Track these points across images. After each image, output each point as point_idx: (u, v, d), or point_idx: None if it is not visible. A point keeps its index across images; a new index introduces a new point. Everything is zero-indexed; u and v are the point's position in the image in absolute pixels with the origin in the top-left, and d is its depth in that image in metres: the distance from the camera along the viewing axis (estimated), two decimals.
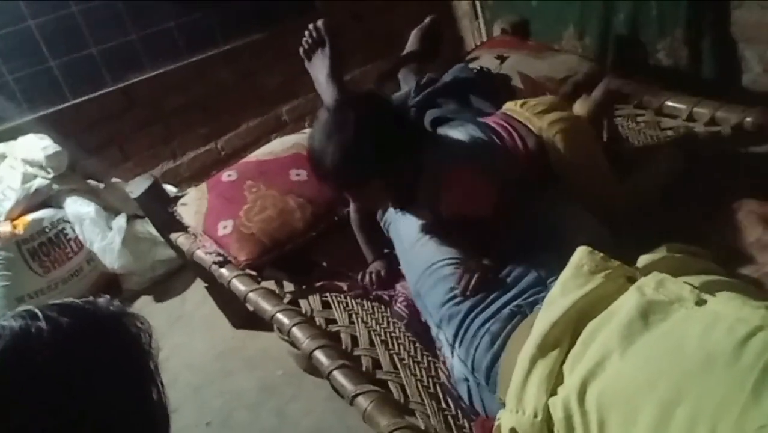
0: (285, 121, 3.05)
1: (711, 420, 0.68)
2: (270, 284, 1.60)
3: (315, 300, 1.52)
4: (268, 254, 1.61)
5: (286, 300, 1.53)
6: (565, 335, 0.89)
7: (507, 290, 1.18)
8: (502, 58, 1.94)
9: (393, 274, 1.49)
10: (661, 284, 0.86)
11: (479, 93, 1.67)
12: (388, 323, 1.43)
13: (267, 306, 1.48)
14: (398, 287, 1.47)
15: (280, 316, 1.44)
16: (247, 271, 1.62)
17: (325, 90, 1.79)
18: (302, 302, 1.51)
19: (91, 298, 0.69)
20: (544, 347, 0.89)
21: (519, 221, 1.30)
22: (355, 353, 1.35)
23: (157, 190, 1.88)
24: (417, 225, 1.39)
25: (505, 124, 1.43)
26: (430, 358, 1.32)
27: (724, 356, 0.71)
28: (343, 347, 1.37)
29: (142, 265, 2.42)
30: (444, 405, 1.20)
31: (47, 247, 2.34)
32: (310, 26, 1.77)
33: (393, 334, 1.39)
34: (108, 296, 0.71)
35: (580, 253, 0.98)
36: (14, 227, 2.29)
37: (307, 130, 2.01)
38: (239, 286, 1.58)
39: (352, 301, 1.50)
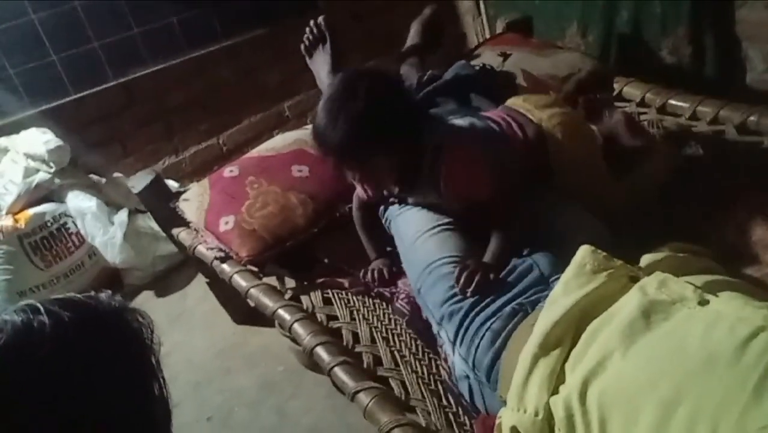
0: (287, 117, 3.05)
1: (712, 420, 0.68)
2: (271, 280, 1.60)
3: (316, 296, 1.51)
4: (269, 250, 1.61)
5: (287, 296, 1.53)
6: (567, 334, 0.89)
7: (509, 288, 1.18)
8: (504, 56, 1.93)
9: (395, 272, 1.49)
10: (663, 283, 0.86)
11: (480, 90, 1.66)
12: (390, 319, 1.42)
13: (268, 302, 1.48)
14: (400, 283, 1.46)
15: (281, 312, 1.44)
16: (249, 267, 1.62)
17: (327, 86, 1.79)
18: (303, 298, 1.51)
19: (92, 293, 0.69)
20: (545, 346, 0.89)
21: (520, 223, 1.30)
22: (357, 349, 1.35)
23: (159, 185, 1.88)
24: (418, 222, 1.39)
25: (504, 116, 1.44)
26: (431, 355, 1.32)
27: (726, 356, 0.71)
28: (344, 343, 1.37)
29: (144, 260, 2.42)
30: (445, 402, 1.20)
31: (49, 241, 2.34)
32: (311, 23, 1.77)
33: (394, 331, 1.39)
34: (109, 291, 0.71)
35: (583, 252, 0.97)
36: (16, 221, 2.29)
37: (310, 126, 2.01)
38: (241, 282, 1.58)
39: (354, 297, 1.50)
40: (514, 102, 1.50)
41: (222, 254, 1.66)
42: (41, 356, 0.59)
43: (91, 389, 0.61)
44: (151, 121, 2.76)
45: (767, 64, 2.03)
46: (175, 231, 1.86)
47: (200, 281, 2.15)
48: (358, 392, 1.19)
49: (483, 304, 1.16)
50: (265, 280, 1.59)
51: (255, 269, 1.62)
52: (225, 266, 1.65)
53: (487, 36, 2.85)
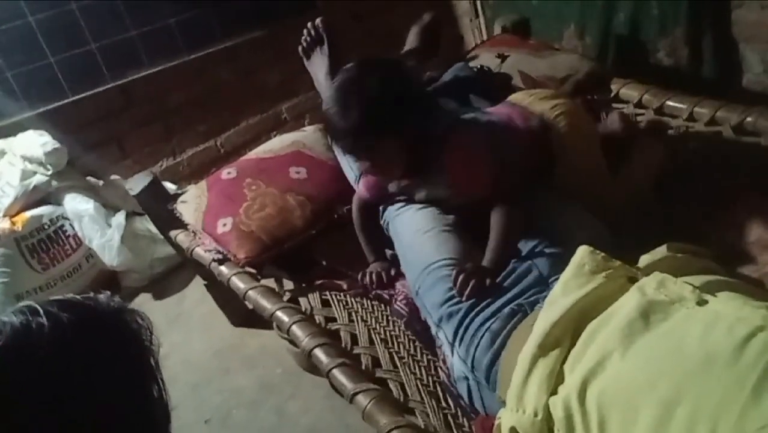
0: (285, 118, 3.04)
1: (711, 420, 0.68)
2: (270, 282, 1.60)
3: (315, 298, 1.51)
4: (267, 251, 1.61)
5: (285, 298, 1.52)
6: (566, 334, 0.89)
7: (508, 289, 1.18)
8: (502, 57, 1.94)
9: (393, 275, 1.49)
10: (662, 283, 0.86)
11: (479, 92, 1.67)
12: (388, 321, 1.42)
13: (266, 304, 1.48)
14: (398, 285, 1.46)
15: (279, 314, 1.44)
16: (247, 269, 1.61)
17: (325, 88, 1.79)
18: (302, 300, 1.51)
19: (91, 294, 0.69)
20: (545, 347, 0.89)
21: (520, 225, 1.30)
22: (355, 351, 1.35)
23: (156, 187, 1.88)
24: (416, 224, 1.39)
25: (507, 110, 1.45)
26: (429, 356, 1.32)
27: (725, 356, 0.71)
28: (343, 345, 1.36)
29: (141, 262, 2.42)
30: (444, 404, 1.20)
31: (46, 244, 2.34)
32: (309, 25, 1.77)
33: (393, 332, 1.39)
34: (108, 292, 0.71)
35: (582, 252, 0.98)
36: (13, 223, 2.29)
37: (308, 128, 2.02)
38: (239, 284, 1.58)
39: (352, 299, 1.50)
40: (515, 97, 1.52)
41: (220, 256, 1.66)
42: (40, 357, 0.59)
43: (90, 389, 0.61)
44: (149, 123, 2.75)
45: (764, 65, 2.04)
46: (172, 233, 1.86)
47: (198, 283, 2.15)
48: (356, 393, 1.19)
49: (482, 305, 1.16)
50: (264, 282, 1.58)
51: (253, 270, 1.62)
52: (223, 268, 1.65)
53: (485, 37, 2.86)
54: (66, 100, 2.54)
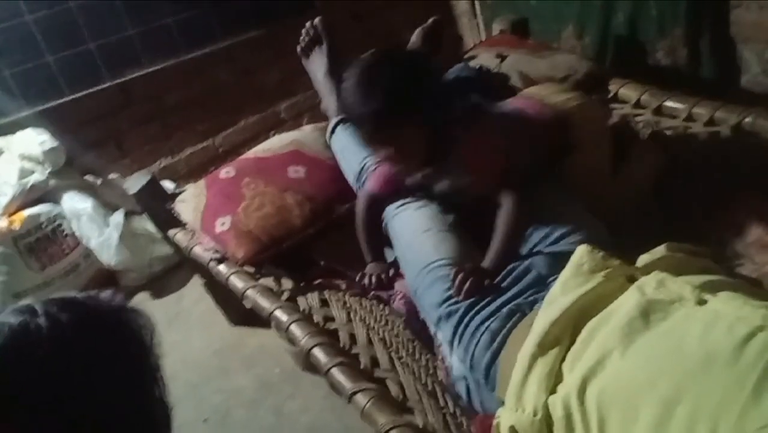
0: (283, 118, 3.04)
1: (711, 420, 0.68)
2: (268, 282, 1.59)
3: (313, 298, 1.51)
4: (266, 251, 1.61)
5: (284, 297, 1.52)
6: (565, 333, 0.89)
7: (507, 288, 1.18)
8: (501, 57, 1.93)
9: (392, 276, 1.49)
10: (661, 283, 0.86)
11: (481, 92, 1.67)
12: (387, 321, 1.42)
13: (265, 303, 1.48)
14: (396, 285, 1.46)
15: (278, 313, 1.44)
16: (245, 268, 1.61)
17: (324, 87, 1.79)
18: (300, 300, 1.51)
19: (94, 292, 0.69)
20: (544, 346, 0.89)
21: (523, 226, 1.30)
22: (354, 350, 1.35)
23: (154, 186, 1.88)
24: (415, 223, 1.39)
25: (522, 102, 1.46)
26: (428, 356, 1.32)
27: (725, 356, 0.71)
28: (341, 344, 1.36)
29: (140, 261, 2.42)
30: (442, 403, 1.20)
31: (44, 243, 2.33)
32: (307, 24, 1.77)
33: (391, 332, 1.39)
34: (112, 291, 0.70)
35: (581, 252, 0.98)
36: (11, 222, 2.28)
37: (306, 127, 2.02)
38: (237, 283, 1.58)
39: (351, 299, 1.50)
40: (530, 91, 1.53)
41: (218, 256, 1.65)
42: (39, 358, 0.59)
43: (90, 389, 0.60)
44: (148, 122, 2.75)
45: (763, 65, 2.04)
46: (171, 232, 1.85)
47: (196, 283, 2.15)
48: (355, 393, 1.18)
49: (480, 305, 1.16)
50: (262, 281, 1.58)
51: (251, 269, 1.62)
52: (221, 267, 1.64)
53: (483, 37, 2.86)
54: (64, 99, 2.53)
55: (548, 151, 1.40)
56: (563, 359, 0.87)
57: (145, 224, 2.31)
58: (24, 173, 2.34)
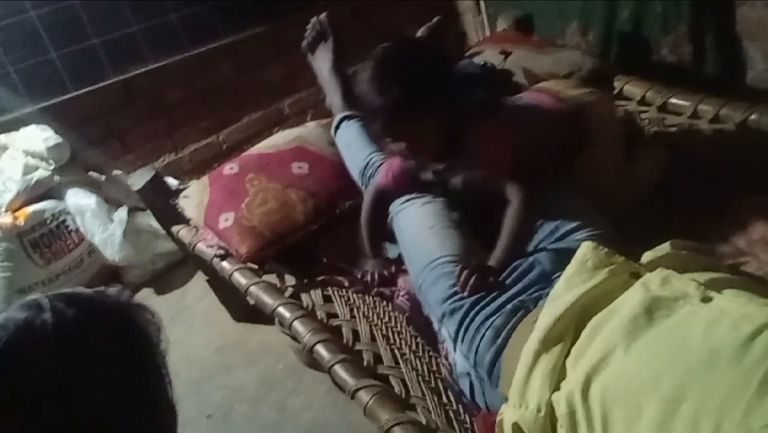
0: (287, 114, 3.04)
1: (715, 418, 0.68)
2: (271, 278, 1.60)
3: (316, 294, 1.51)
4: (269, 246, 1.61)
5: (287, 294, 1.52)
6: (569, 329, 0.88)
7: (511, 285, 1.18)
8: (506, 54, 1.93)
9: (393, 272, 1.48)
10: (666, 280, 0.85)
11: (487, 89, 1.66)
12: (390, 317, 1.42)
13: (268, 300, 1.48)
14: (400, 281, 1.46)
15: (281, 310, 1.44)
16: (249, 264, 1.61)
17: (329, 83, 1.79)
18: (303, 296, 1.51)
19: (101, 288, 0.69)
20: (547, 342, 0.89)
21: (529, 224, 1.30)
22: (357, 347, 1.35)
23: (158, 182, 1.88)
24: (420, 219, 1.39)
25: (537, 94, 1.46)
26: (431, 353, 1.32)
27: (729, 354, 0.71)
28: (345, 341, 1.36)
29: (143, 258, 2.42)
30: (445, 400, 1.20)
31: (48, 238, 2.34)
32: (313, 20, 1.77)
33: (394, 328, 1.39)
34: (120, 286, 0.70)
35: (585, 248, 0.97)
36: (15, 218, 2.29)
37: (310, 124, 2.01)
38: (240, 279, 1.58)
39: (354, 295, 1.50)
40: (545, 85, 1.52)
41: (222, 252, 1.66)
42: (43, 353, 0.59)
43: (95, 385, 0.60)
44: (151, 119, 2.75)
45: (767, 62, 2.03)
46: (174, 228, 1.85)
47: (200, 279, 2.15)
48: (358, 389, 1.18)
49: (485, 301, 1.16)
50: (265, 278, 1.58)
51: (255, 266, 1.62)
52: (225, 263, 1.64)
53: (488, 34, 2.85)
54: (68, 96, 2.54)
55: (565, 144, 1.40)
56: (567, 356, 0.87)
57: (149, 220, 2.32)
58: (28, 169, 2.35)
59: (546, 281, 1.15)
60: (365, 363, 1.30)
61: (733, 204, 1.36)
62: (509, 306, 1.12)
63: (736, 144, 1.61)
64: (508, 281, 1.19)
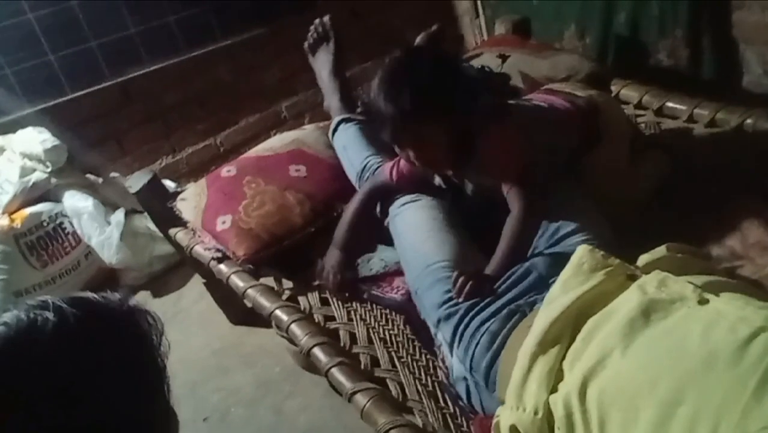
0: (284, 117, 3.04)
1: (712, 421, 0.68)
2: (269, 281, 1.59)
3: (314, 297, 1.51)
4: (266, 249, 1.61)
5: (284, 297, 1.52)
6: (565, 332, 0.88)
7: (507, 290, 1.18)
8: (503, 57, 1.94)
9: (350, 279, 1.49)
10: (663, 282, 0.85)
11: (486, 92, 1.67)
12: (387, 320, 1.42)
13: (266, 303, 1.48)
14: (398, 281, 1.46)
15: (278, 312, 1.44)
16: (246, 267, 1.61)
17: (328, 86, 1.79)
18: (301, 299, 1.51)
19: (107, 292, 0.69)
20: (544, 344, 0.89)
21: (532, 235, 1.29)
22: (354, 350, 1.35)
23: (156, 185, 1.88)
24: (417, 223, 1.39)
25: (546, 95, 1.46)
26: (428, 356, 1.32)
27: (726, 357, 0.71)
28: (342, 344, 1.36)
29: (140, 260, 2.42)
30: (442, 403, 1.20)
31: (45, 241, 2.34)
32: (316, 21, 1.78)
33: (392, 331, 1.39)
34: (124, 291, 0.70)
35: (581, 251, 0.98)
36: (12, 220, 2.28)
37: (308, 126, 2.02)
38: (238, 282, 1.58)
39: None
40: (554, 86, 1.53)
41: (219, 255, 1.65)
42: (41, 352, 0.59)
43: (94, 386, 0.60)
44: (149, 121, 2.75)
45: (764, 66, 2.04)
46: (172, 231, 1.85)
47: (197, 282, 2.15)
48: (355, 392, 1.18)
49: (480, 306, 1.16)
50: (263, 280, 1.58)
51: (252, 267, 1.61)
52: (222, 266, 1.64)
53: (485, 37, 2.86)
54: (66, 98, 2.53)
55: (578, 141, 1.40)
56: (564, 358, 0.87)
57: (146, 223, 2.31)
58: (25, 172, 2.34)
59: (542, 285, 1.15)
60: (362, 366, 1.30)
61: (730, 208, 1.36)
62: (505, 311, 1.12)
63: (732, 148, 1.61)
64: (503, 286, 1.19)
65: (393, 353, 1.33)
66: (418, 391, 1.22)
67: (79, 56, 2.53)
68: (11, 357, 0.58)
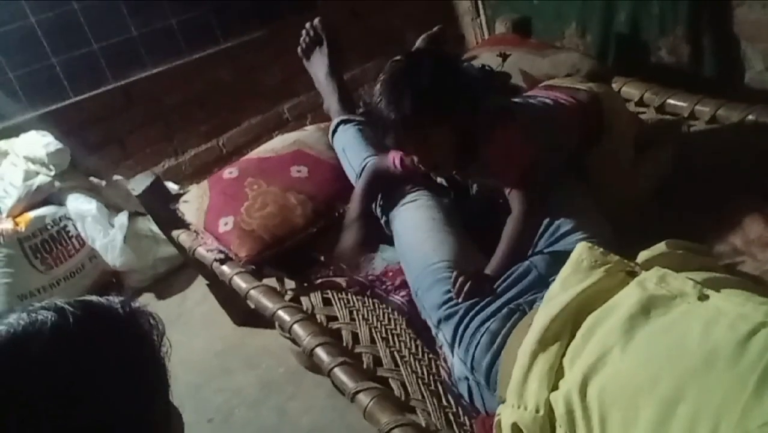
0: (286, 118, 3.05)
1: (713, 418, 0.68)
2: (271, 282, 1.60)
3: (316, 297, 1.52)
4: (268, 249, 1.61)
5: (287, 297, 1.53)
6: (565, 329, 0.88)
7: (507, 289, 1.18)
8: (504, 56, 1.94)
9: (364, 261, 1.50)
10: (663, 278, 0.85)
11: (488, 92, 1.67)
12: (389, 320, 1.43)
13: (268, 303, 1.48)
14: (400, 280, 1.46)
15: (281, 313, 1.44)
16: (249, 268, 1.62)
17: (325, 88, 1.79)
18: (303, 299, 1.52)
19: (112, 295, 0.69)
20: (544, 342, 0.89)
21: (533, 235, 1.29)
22: (356, 350, 1.35)
23: (158, 187, 1.88)
24: (417, 222, 1.39)
25: (548, 91, 1.46)
26: (430, 355, 1.32)
27: (727, 353, 0.71)
28: (344, 344, 1.37)
29: (144, 262, 2.42)
30: (445, 402, 1.20)
31: (49, 244, 2.34)
32: (307, 25, 1.77)
33: (394, 331, 1.39)
34: (127, 293, 0.70)
35: (580, 249, 0.98)
36: (16, 224, 2.29)
37: (309, 128, 2.02)
38: (240, 283, 1.58)
39: (354, 298, 1.50)
40: (555, 81, 1.52)
41: (222, 256, 1.66)
42: (41, 352, 0.59)
43: (94, 387, 0.60)
44: (151, 124, 2.76)
45: (765, 63, 2.03)
46: (175, 233, 1.86)
47: (200, 283, 2.16)
48: (358, 392, 1.19)
49: (480, 306, 1.16)
50: (265, 281, 1.59)
51: (254, 267, 1.62)
52: (225, 267, 1.65)
53: (486, 36, 2.86)
54: (68, 101, 2.54)
55: (579, 139, 1.40)
56: (564, 355, 0.87)
57: (149, 225, 2.32)
58: (29, 175, 2.35)
59: (541, 284, 1.15)
60: (365, 366, 1.30)
61: (730, 204, 1.36)
62: (504, 310, 1.12)
63: (733, 145, 1.61)
64: (503, 286, 1.19)
65: (395, 353, 1.33)
66: (420, 390, 1.22)
67: (81, 59, 2.54)
68: (11, 357, 0.59)
